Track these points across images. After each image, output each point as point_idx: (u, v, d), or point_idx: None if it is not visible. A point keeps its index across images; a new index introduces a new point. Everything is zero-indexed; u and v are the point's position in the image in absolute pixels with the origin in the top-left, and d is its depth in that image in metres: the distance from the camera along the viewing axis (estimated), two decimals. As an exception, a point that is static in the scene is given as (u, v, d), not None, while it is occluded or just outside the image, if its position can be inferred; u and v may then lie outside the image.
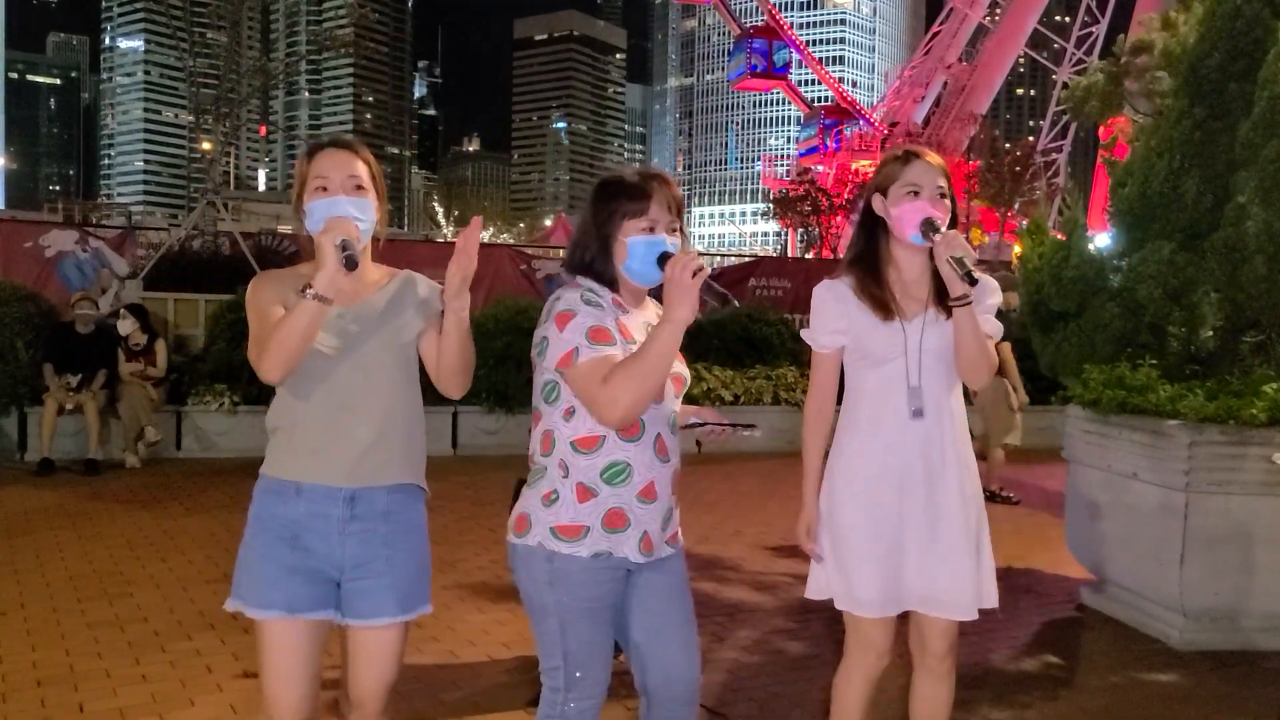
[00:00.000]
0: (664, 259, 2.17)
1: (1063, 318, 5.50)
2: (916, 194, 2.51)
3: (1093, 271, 5.40)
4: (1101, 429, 4.90)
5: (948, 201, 2.53)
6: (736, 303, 2.22)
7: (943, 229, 2.46)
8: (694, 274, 2.07)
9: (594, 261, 2.26)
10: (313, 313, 2.11)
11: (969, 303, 2.45)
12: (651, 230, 2.21)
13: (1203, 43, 5.15)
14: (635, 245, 2.21)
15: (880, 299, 2.55)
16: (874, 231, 2.62)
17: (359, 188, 2.26)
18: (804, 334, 2.67)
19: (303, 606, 2.23)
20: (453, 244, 2.22)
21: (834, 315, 2.59)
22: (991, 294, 2.55)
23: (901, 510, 2.53)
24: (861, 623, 2.61)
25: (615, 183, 2.27)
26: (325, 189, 2.24)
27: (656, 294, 2.31)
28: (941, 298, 2.53)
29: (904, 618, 2.65)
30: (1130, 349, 5.09)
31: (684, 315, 2.09)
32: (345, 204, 2.22)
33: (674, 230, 2.24)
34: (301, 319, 2.11)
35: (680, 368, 2.31)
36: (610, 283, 2.27)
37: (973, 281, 2.39)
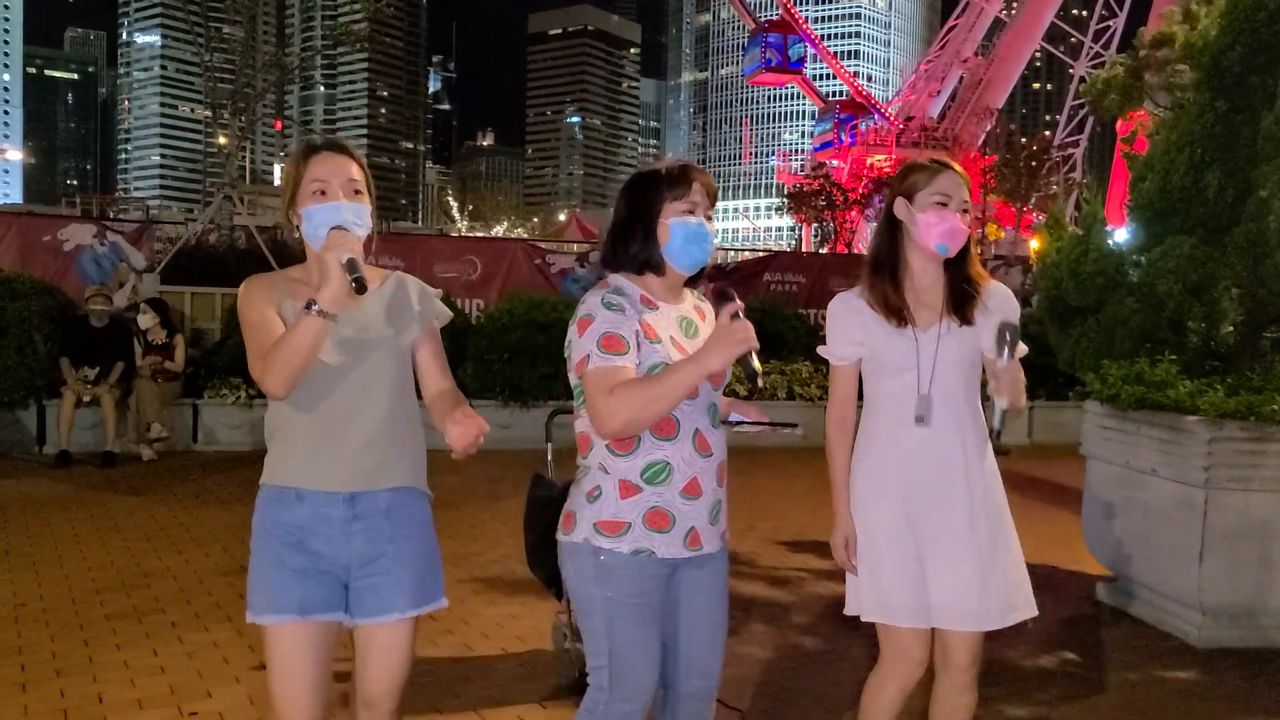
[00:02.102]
0: (723, 297, 2.15)
1: (1081, 313, 5.47)
2: (945, 204, 2.52)
3: (1112, 266, 5.36)
4: (1120, 425, 4.86)
5: (969, 216, 2.57)
6: (762, 383, 2.19)
7: (1018, 345, 2.42)
8: (744, 340, 2.09)
9: (639, 250, 2.28)
10: (318, 329, 2.08)
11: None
12: (691, 213, 2.25)
13: (1224, 35, 5.10)
14: (676, 226, 2.24)
15: (895, 307, 2.56)
16: (895, 236, 2.62)
17: (357, 192, 2.22)
18: (822, 350, 2.67)
19: (315, 608, 2.19)
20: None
21: (852, 327, 2.60)
22: (1015, 314, 2.57)
23: (916, 519, 2.53)
24: (896, 632, 2.56)
25: (654, 173, 2.31)
26: (324, 192, 2.19)
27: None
28: (957, 308, 2.56)
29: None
30: (1149, 344, 5.05)
31: (712, 365, 2.11)
32: (345, 210, 2.18)
33: (709, 218, 2.29)
34: (306, 335, 2.07)
35: None
36: (656, 268, 2.28)
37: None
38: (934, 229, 2.52)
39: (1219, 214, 5.01)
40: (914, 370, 2.53)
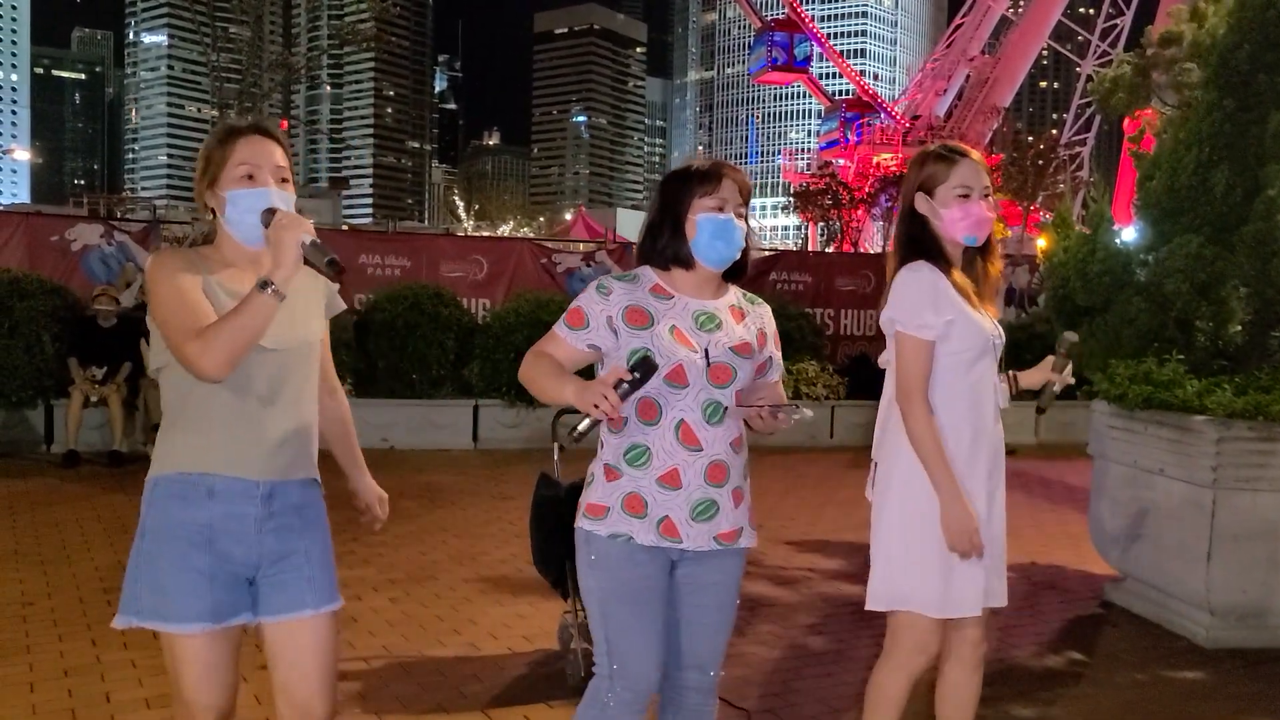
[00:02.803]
0: (637, 367, 2.12)
1: (1088, 312, 5.45)
2: (967, 195, 2.48)
3: (1119, 266, 5.34)
4: (1127, 425, 4.85)
5: (992, 199, 2.52)
6: (573, 440, 2.20)
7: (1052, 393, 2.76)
8: (594, 405, 2.09)
9: (666, 244, 2.32)
10: (270, 309, 2.00)
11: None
12: (720, 209, 2.29)
13: (1233, 34, 5.08)
14: (703, 222, 2.28)
15: (969, 291, 2.52)
16: (924, 226, 2.55)
17: (284, 180, 2.15)
18: (897, 318, 2.49)
19: (226, 613, 2.11)
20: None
21: (941, 299, 2.46)
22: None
23: (987, 506, 2.55)
24: (920, 626, 2.55)
25: (686, 169, 2.37)
26: (251, 177, 2.10)
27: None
28: (991, 298, 2.61)
29: None
30: (1157, 344, 5.03)
31: (565, 396, 2.17)
32: (275, 197, 2.11)
33: (741, 215, 2.32)
34: (258, 315, 1.99)
35: (732, 359, 2.28)
36: (684, 262, 2.32)
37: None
38: (959, 223, 2.49)
39: (1227, 213, 4.99)
40: (992, 356, 2.53)
